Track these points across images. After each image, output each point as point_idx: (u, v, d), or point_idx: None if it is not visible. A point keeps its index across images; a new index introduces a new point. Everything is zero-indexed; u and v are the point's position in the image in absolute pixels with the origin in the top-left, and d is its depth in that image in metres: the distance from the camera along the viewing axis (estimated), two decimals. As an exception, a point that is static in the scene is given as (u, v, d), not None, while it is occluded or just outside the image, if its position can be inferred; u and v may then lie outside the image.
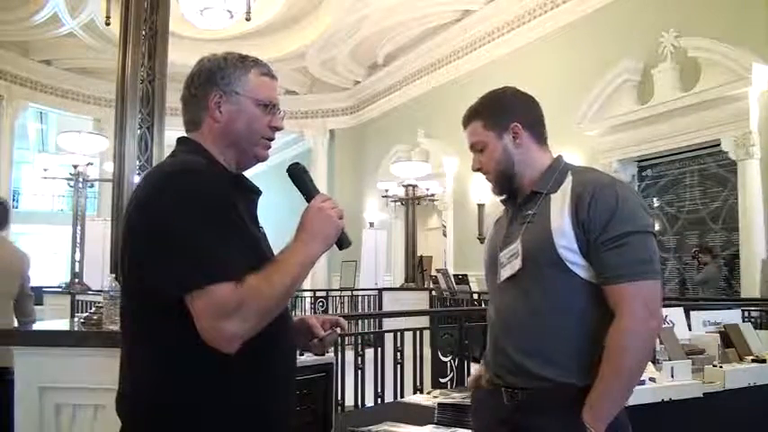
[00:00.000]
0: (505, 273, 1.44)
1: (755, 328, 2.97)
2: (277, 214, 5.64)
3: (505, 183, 1.51)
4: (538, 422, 1.36)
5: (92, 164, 8.54)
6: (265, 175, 6.00)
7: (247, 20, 6.29)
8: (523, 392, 1.39)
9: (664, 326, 2.68)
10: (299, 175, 1.29)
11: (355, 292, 9.93)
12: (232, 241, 1.11)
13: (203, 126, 1.26)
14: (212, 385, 1.11)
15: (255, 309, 1.08)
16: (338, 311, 9.30)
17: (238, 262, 1.10)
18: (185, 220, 1.09)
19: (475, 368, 4.28)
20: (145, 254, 1.11)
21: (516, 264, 1.41)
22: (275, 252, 1.23)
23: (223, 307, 1.05)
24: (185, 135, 1.30)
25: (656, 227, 7.45)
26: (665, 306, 3.15)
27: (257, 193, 1.30)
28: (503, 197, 1.57)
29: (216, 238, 1.09)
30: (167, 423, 1.11)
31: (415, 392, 3.82)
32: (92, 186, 8.88)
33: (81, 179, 8.35)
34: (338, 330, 1.42)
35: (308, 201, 1.25)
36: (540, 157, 1.51)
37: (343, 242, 1.24)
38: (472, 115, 1.54)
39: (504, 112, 1.51)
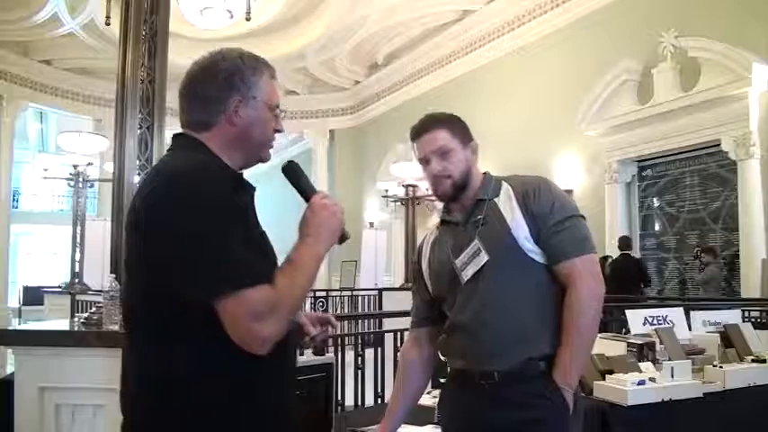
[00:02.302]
0: (470, 271, 1.58)
1: (755, 328, 2.97)
2: (275, 214, 5.65)
3: (460, 189, 1.66)
4: (516, 392, 1.51)
5: (92, 164, 8.55)
6: (267, 176, 6.01)
7: (247, 20, 6.29)
8: (499, 373, 1.53)
9: (664, 326, 2.69)
10: (294, 173, 1.27)
11: (355, 292, 9.91)
12: (255, 243, 1.12)
13: (215, 128, 1.23)
14: (230, 385, 1.11)
15: (287, 310, 1.10)
16: (338, 311, 9.29)
17: (266, 264, 1.12)
18: (214, 223, 1.07)
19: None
20: (171, 258, 1.08)
21: (482, 258, 1.56)
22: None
23: (259, 310, 1.06)
24: (184, 132, 1.26)
25: (656, 227, 7.45)
26: (665, 306, 3.17)
27: (253, 189, 1.30)
28: (441, 218, 1.75)
29: (243, 240, 1.09)
30: (174, 423, 1.10)
31: (415, 392, 3.81)
32: (92, 186, 8.90)
33: (81, 179, 8.37)
34: (329, 329, 1.42)
35: (306, 198, 1.25)
36: (479, 173, 1.70)
37: (344, 236, 1.26)
38: (437, 123, 1.67)
39: (466, 130, 1.69)
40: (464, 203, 1.67)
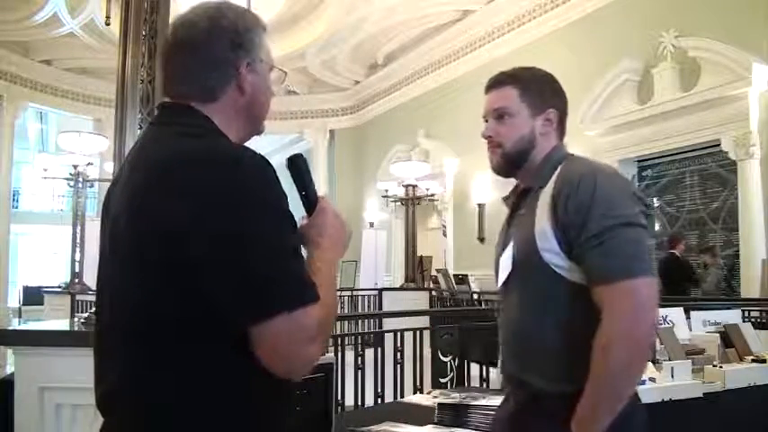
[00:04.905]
0: (501, 277, 1.41)
1: (755, 328, 2.96)
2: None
3: (515, 165, 1.40)
4: (533, 425, 1.32)
5: (92, 164, 8.55)
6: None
7: (247, 20, 6.30)
8: (520, 395, 1.37)
9: (664, 326, 2.68)
10: (301, 170, 1.08)
11: (355, 292, 9.92)
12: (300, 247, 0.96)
13: (223, 98, 1.04)
14: (240, 391, 0.96)
15: (329, 329, 0.98)
16: (338, 311, 9.28)
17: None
18: (274, 226, 0.92)
19: (475, 368, 4.29)
20: (222, 268, 0.89)
21: (509, 267, 1.37)
22: None
23: (311, 330, 0.91)
24: (186, 104, 1.04)
25: (656, 227, 7.45)
26: (664, 306, 3.15)
27: None
28: (505, 195, 1.51)
29: (300, 247, 0.96)
30: (181, 426, 0.96)
31: (415, 392, 3.82)
32: (92, 186, 8.91)
33: (81, 179, 8.37)
34: None
35: (306, 198, 1.09)
36: (548, 149, 1.40)
37: None
38: (508, 79, 1.41)
39: (548, 94, 1.41)
40: (519, 186, 1.43)
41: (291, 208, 0.96)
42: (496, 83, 1.43)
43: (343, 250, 1.08)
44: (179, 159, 0.94)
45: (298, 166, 1.07)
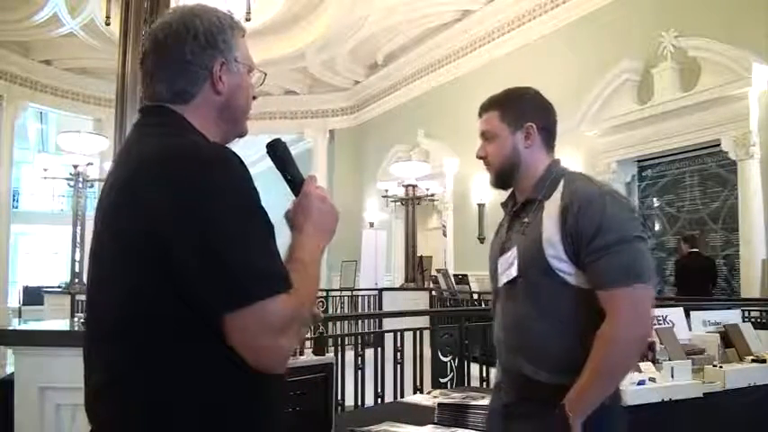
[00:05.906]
0: (503, 279, 1.53)
1: (755, 328, 2.97)
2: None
3: (505, 178, 1.58)
4: (526, 413, 1.46)
5: (92, 164, 8.54)
6: (263, 177, 5.99)
7: (247, 20, 6.28)
8: (515, 386, 1.50)
9: (664, 326, 2.69)
10: (283, 153, 1.11)
11: (355, 292, 9.92)
12: (273, 238, 0.97)
13: (197, 98, 1.06)
14: (234, 385, 0.97)
15: (303, 320, 0.99)
16: (338, 311, 9.29)
17: (284, 267, 0.97)
18: (241, 222, 0.93)
19: (475, 368, 4.29)
20: (190, 262, 0.91)
21: (512, 272, 1.49)
22: None
23: (279, 321, 0.92)
24: (165, 105, 1.06)
25: (656, 227, 7.44)
26: (665, 306, 3.16)
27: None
28: (503, 202, 1.66)
29: (270, 241, 0.96)
30: (176, 423, 0.96)
31: (415, 392, 3.82)
32: (92, 186, 8.89)
33: (81, 179, 8.36)
34: None
35: (292, 184, 1.11)
36: (543, 162, 1.56)
37: None
38: (491, 105, 1.59)
39: (524, 111, 1.56)
40: (521, 193, 1.57)
41: (277, 203, 0.97)
42: (483, 108, 1.61)
43: (330, 236, 1.09)
44: (159, 158, 0.96)
45: (275, 150, 1.10)
